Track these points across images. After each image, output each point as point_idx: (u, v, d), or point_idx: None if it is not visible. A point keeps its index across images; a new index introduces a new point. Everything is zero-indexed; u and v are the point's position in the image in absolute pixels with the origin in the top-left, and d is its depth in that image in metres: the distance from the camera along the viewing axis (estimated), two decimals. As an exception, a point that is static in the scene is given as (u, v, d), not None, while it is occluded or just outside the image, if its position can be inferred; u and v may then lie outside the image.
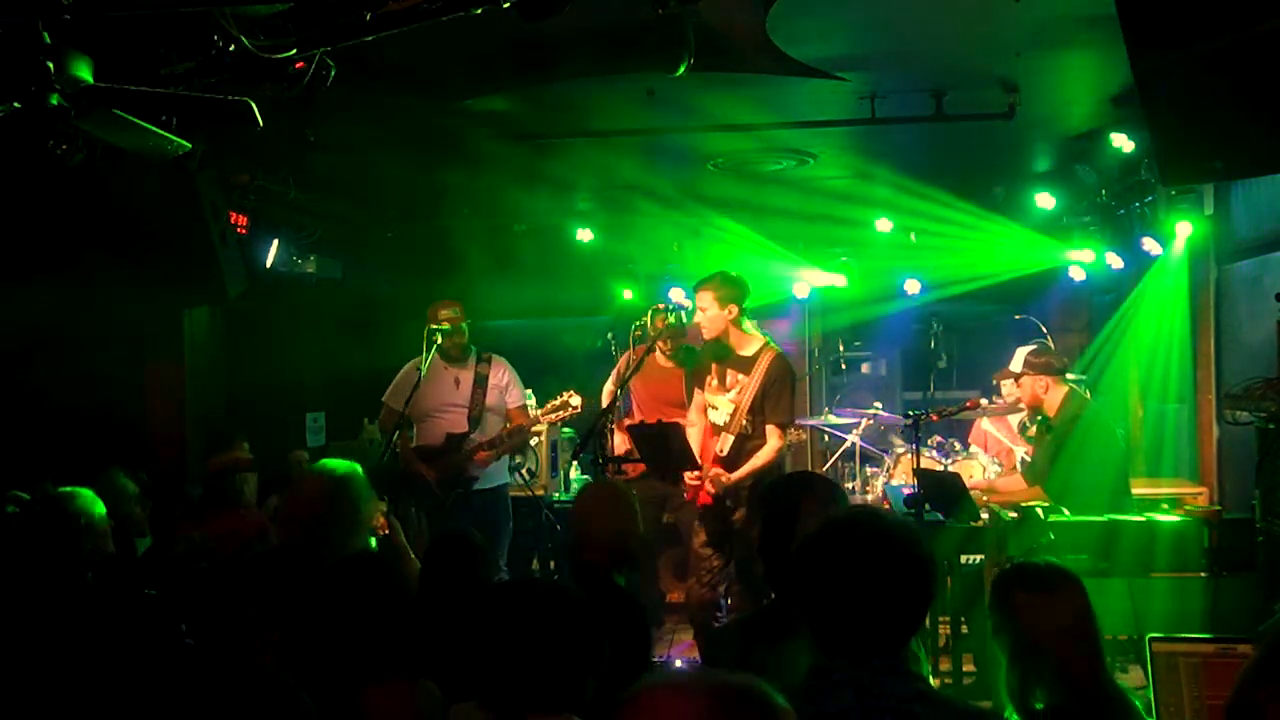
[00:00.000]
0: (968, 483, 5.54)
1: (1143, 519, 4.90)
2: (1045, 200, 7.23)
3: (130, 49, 3.20)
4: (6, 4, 2.74)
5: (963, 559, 5.18)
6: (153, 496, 5.02)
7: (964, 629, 5.29)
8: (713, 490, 5.10)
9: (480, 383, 6.02)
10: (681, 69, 3.84)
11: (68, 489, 3.97)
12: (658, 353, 6.48)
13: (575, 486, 7.49)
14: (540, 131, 6.07)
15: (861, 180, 7.02)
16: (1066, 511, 4.98)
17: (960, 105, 5.46)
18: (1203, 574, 4.68)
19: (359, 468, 3.72)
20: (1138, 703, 2.48)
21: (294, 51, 3.21)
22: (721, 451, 5.18)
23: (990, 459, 6.71)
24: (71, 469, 4.39)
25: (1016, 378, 5.69)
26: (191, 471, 6.22)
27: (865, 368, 9.33)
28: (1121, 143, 5.91)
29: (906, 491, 5.31)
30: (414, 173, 6.73)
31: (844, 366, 8.94)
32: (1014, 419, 6.77)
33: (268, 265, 6.85)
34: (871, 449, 7.37)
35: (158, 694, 2.44)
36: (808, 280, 8.73)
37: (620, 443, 6.42)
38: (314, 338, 7.67)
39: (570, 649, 2.19)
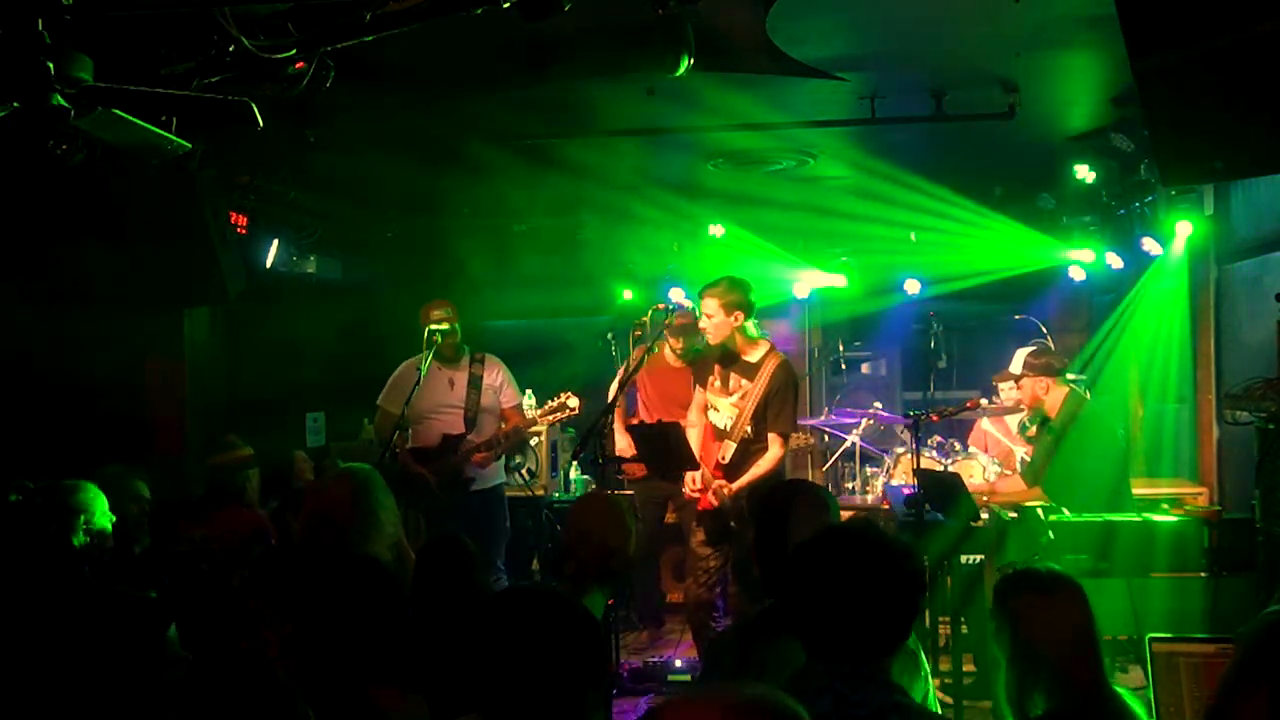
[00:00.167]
0: (968, 483, 5.54)
1: (1142, 519, 4.91)
2: (1045, 200, 7.24)
3: (130, 49, 3.20)
4: (6, 4, 2.74)
5: (962, 559, 5.18)
6: (153, 497, 5.02)
7: (964, 629, 5.29)
8: (715, 503, 5.10)
9: (475, 383, 6.00)
10: (682, 69, 3.83)
11: (71, 481, 3.98)
12: (668, 352, 6.48)
13: (575, 486, 7.50)
14: (540, 132, 6.08)
15: (861, 180, 7.02)
16: (1066, 511, 4.99)
17: (960, 105, 5.47)
18: (1202, 574, 4.68)
19: (376, 472, 3.76)
20: (1138, 706, 2.47)
21: (294, 52, 3.21)
22: (724, 459, 5.16)
23: (990, 459, 6.71)
24: (71, 469, 4.39)
25: (1016, 380, 5.69)
26: (191, 471, 6.21)
27: (865, 368, 9.32)
28: (1121, 143, 5.91)
29: (906, 491, 5.31)
30: (414, 173, 6.73)
31: (844, 366, 8.93)
32: (1013, 420, 6.76)
33: (268, 265, 6.85)
34: (871, 449, 7.38)
35: (148, 695, 2.44)
36: (807, 280, 8.74)
37: (626, 445, 6.39)
38: (314, 338, 7.67)
39: (576, 660, 2.18)
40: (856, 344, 9.29)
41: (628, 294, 8.85)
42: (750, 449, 5.13)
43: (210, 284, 5.85)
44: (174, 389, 6.64)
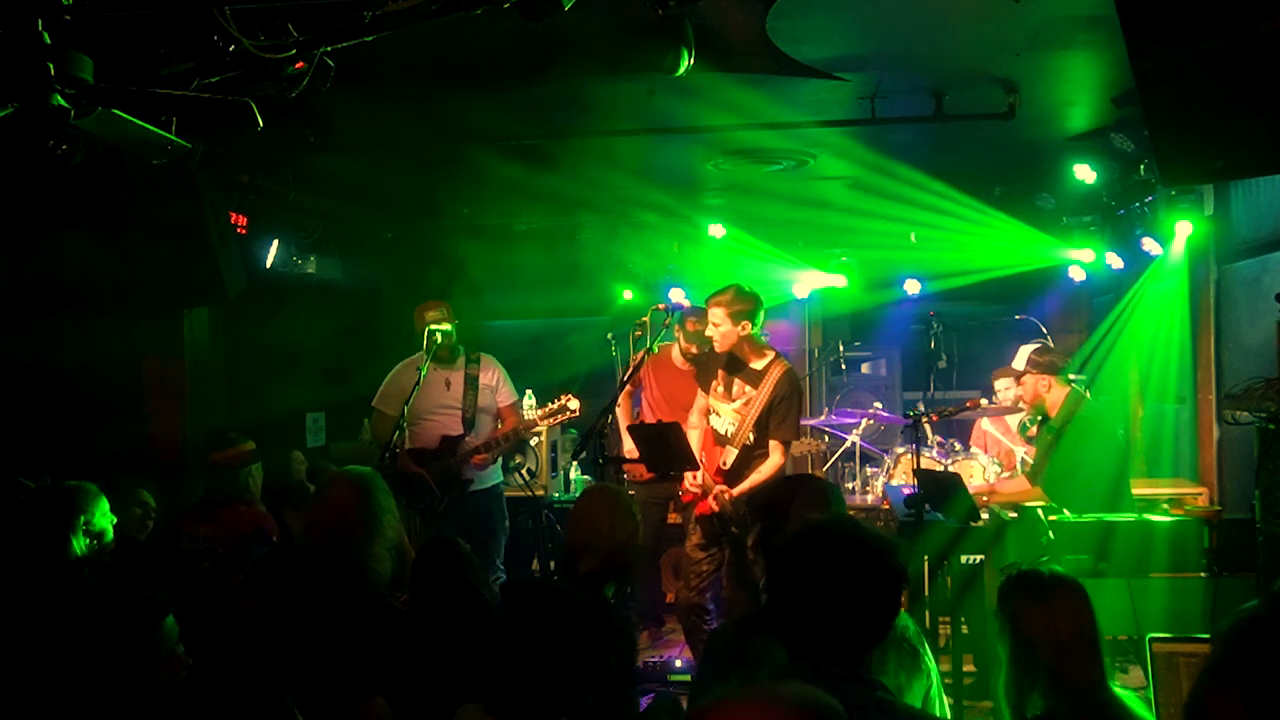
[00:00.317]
0: (968, 483, 5.54)
1: (1142, 519, 4.90)
2: (1045, 200, 7.24)
3: (130, 49, 3.20)
4: (6, 4, 2.74)
5: (962, 559, 5.18)
6: (154, 499, 5.02)
7: (964, 629, 5.29)
8: (716, 509, 5.09)
9: (471, 384, 5.97)
10: (682, 69, 3.83)
11: (73, 483, 3.97)
12: (675, 353, 6.47)
13: (576, 486, 7.50)
14: (540, 132, 6.07)
15: (861, 179, 7.02)
16: (1066, 511, 4.99)
17: (960, 105, 5.47)
18: (1202, 574, 4.67)
19: (378, 475, 3.75)
20: (1140, 707, 2.47)
21: (294, 52, 3.21)
22: (725, 465, 5.14)
23: (990, 459, 6.71)
24: (71, 469, 4.40)
25: (1019, 376, 5.70)
26: (191, 472, 6.22)
27: (865, 368, 9.33)
28: (1121, 143, 5.91)
29: (906, 491, 5.31)
30: (414, 173, 6.73)
31: (844, 366, 8.93)
32: (1013, 420, 6.77)
33: (268, 265, 6.85)
34: (871, 449, 7.38)
35: (145, 694, 2.44)
36: (807, 281, 8.74)
37: (632, 449, 6.38)
38: (314, 338, 7.67)
39: (580, 654, 2.18)
40: (856, 344, 9.31)
41: (628, 294, 8.86)
42: (752, 455, 5.11)
43: (210, 284, 5.85)
44: (173, 389, 6.64)
